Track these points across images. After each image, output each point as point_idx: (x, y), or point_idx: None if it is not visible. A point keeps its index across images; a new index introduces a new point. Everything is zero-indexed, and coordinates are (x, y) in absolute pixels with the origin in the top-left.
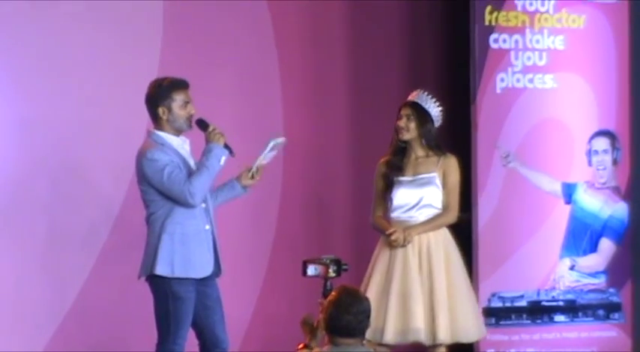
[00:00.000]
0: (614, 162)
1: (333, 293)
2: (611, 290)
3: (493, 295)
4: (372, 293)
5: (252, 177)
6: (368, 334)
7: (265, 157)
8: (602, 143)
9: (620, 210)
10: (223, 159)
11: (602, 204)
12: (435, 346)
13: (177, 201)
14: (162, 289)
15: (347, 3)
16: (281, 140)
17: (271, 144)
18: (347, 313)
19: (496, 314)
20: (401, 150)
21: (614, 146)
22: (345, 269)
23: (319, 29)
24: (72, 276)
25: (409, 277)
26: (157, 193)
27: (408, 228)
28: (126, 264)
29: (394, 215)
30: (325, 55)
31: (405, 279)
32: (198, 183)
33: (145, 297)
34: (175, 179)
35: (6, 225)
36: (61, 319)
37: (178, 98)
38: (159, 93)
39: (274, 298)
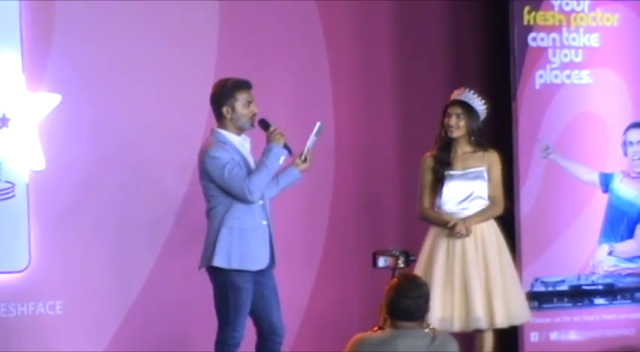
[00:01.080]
0: None
1: (394, 279)
2: None
3: (536, 280)
4: (437, 284)
5: (305, 159)
6: (437, 324)
7: (311, 140)
8: (637, 134)
9: None
10: (282, 158)
11: (637, 193)
12: (483, 329)
13: (236, 197)
14: (222, 280)
15: (393, 4)
16: (321, 125)
17: (317, 125)
18: (406, 297)
19: (539, 298)
20: (447, 146)
21: None
22: (413, 260)
23: (366, 30)
24: (137, 268)
25: (468, 267)
26: (217, 189)
27: (466, 219)
28: (188, 255)
29: (446, 207)
30: (372, 56)
31: (465, 269)
32: (257, 181)
33: (206, 287)
34: (235, 176)
35: (77, 219)
36: (127, 309)
37: (241, 98)
38: (223, 93)
39: (328, 288)
